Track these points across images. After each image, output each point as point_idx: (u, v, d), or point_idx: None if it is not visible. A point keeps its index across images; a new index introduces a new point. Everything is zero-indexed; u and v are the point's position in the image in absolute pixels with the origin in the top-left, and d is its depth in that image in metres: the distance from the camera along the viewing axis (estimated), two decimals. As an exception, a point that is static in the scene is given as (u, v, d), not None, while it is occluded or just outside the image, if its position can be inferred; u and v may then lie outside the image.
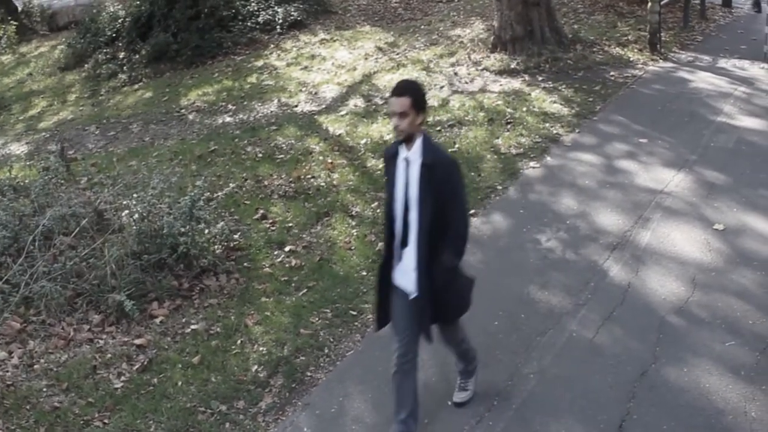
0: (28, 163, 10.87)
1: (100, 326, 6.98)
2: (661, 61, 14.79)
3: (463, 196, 5.04)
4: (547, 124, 11.39)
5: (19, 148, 13.54)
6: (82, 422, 5.80)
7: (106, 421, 5.81)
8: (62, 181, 9.13)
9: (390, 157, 5.06)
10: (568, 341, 6.37)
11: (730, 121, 11.18)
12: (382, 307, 5.28)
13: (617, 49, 15.42)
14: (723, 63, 14.50)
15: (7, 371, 6.33)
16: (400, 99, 4.76)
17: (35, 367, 6.43)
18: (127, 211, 8.15)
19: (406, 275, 5.08)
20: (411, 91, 4.82)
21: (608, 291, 7.05)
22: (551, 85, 13.18)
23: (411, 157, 4.89)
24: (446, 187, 4.86)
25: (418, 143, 4.88)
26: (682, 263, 7.42)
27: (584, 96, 12.64)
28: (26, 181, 9.49)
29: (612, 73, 13.91)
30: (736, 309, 6.63)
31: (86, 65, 18.94)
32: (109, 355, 6.58)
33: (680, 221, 8.25)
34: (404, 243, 5.04)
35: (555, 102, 12.30)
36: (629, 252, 7.68)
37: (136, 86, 17.15)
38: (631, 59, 14.81)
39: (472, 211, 8.82)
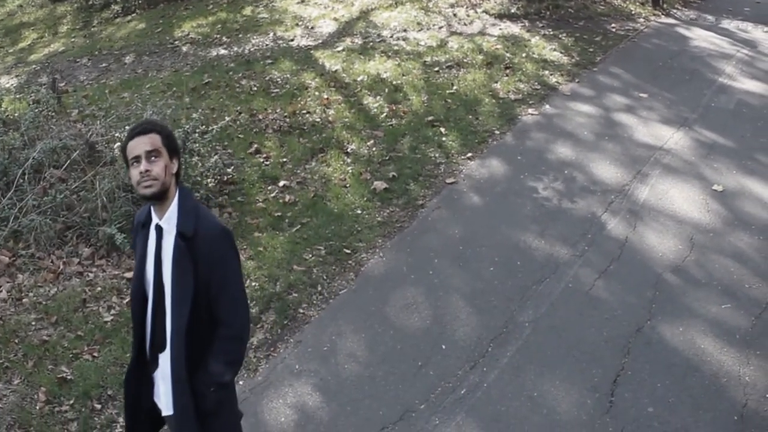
0: (18, 95, 10.56)
1: (90, 259, 6.87)
2: (663, 16, 14.65)
3: (238, 281, 3.59)
4: (546, 72, 11.27)
5: (8, 81, 13.18)
6: (71, 355, 5.72)
7: (95, 354, 5.74)
8: (53, 114, 8.89)
9: (139, 225, 3.61)
10: (564, 292, 6.34)
11: (731, 82, 11.09)
12: (132, 428, 3.82)
13: (619, 1, 15.24)
14: (726, 24, 14.39)
15: (-4, 305, 6.25)
16: (147, 136, 3.40)
17: (24, 300, 6.31)
18: (119, 144, 7.97)
19: (164, 388, 3.63)
20: (159, 127, 3.49)
21: (605, 244, 7.01)
22: (551, 33, 13.03)
23: (165, 225, 3.46)
24: (214, 268, 3.44)
25: (173, 205, 3.45)
26: (680, 222, 7.37)
27: (584, 46, 12.51)
28: (16, 114, 9.24)
29: (613, 25, 13.77)
30: (733, 272, 6.61)
31: (78, -4, 18.48)
32: (99, 289, 6.48)
33: (679, 179, 8.19)
34: (162, 343, 3.56)
35: (555, 50, 12.15)
36: (627, 206, 7.63)
37: (129, 17, 16.78)
38: (633, 12, 14.66)
39: (469, 154, 8.76)
